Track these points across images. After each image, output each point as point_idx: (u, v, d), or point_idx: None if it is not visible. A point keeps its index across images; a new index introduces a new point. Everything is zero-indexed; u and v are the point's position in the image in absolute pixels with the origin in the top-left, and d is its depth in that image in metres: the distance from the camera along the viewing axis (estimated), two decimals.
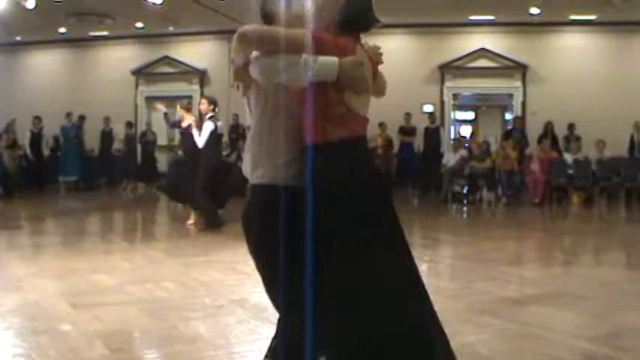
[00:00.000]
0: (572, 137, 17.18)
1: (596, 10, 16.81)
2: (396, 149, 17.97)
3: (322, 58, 2.99)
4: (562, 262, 9.32)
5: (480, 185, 16.46)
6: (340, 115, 3.12)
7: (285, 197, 3.09)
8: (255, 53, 3.16)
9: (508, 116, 20.72)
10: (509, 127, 18.69)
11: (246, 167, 3.35)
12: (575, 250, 10.41)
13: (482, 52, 19.22)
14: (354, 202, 3.09)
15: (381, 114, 17.29)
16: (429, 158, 17.16)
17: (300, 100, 3.14)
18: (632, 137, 16.92)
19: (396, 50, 18.94)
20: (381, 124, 17.36)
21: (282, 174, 3.14)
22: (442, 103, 19.61)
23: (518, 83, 19.26)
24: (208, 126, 10.86)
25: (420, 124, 17.99)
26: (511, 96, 19.77)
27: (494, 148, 17.50)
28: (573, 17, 17.99)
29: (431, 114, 18.14)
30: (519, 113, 18.92)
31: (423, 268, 8.12)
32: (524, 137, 17.51)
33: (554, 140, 17.16)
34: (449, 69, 19.40)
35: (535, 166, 15.97)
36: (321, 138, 3.10)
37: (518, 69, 19.12)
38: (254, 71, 3.15)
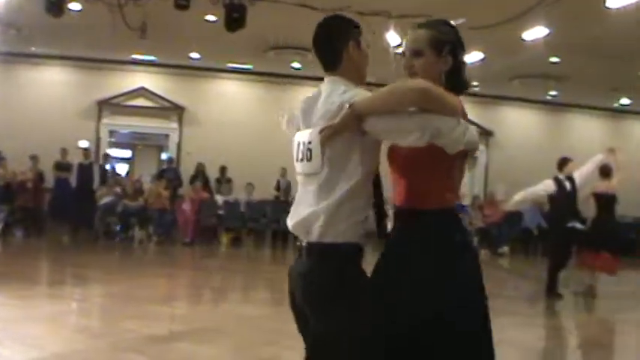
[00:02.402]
0: (224, 179, 17.95)
1: (253, 60, 17.76)
2: (50, 184, 17.26)
3: (471, 127, 2.72)
4: (210, 299, 9.73)
5: (132, 223, 16.48)
6: (457, 181, 2.89)
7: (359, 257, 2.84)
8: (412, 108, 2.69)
9: (164, 156, 20.97)
10: (164, 167, 19.00)
11: (306, 221, 2.85)
12: (224, 288, 10.87)
13: (142, 92, 19.25)
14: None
15: (35, 147, 16.66)
16: (82, 195, 16.75)
17: (415, 163, 2.83)
18: (278, 182, 18.06)
19: (53, 82, 18.43)
20: (33, 157, 16.64)
21: (358, 231, 2.82)
22: (98, 139, 19.25)
23: (175, 124, 19.56)
24: None
25: (75, 159, 17.50)
26: (167, 136, 19.98)
27: (149, 186, 17.55)
28: (231, 65, 18.83)
29: (86, 150, 17.70)
30: (174, 154, 19.30)
31: (72, 307, 7.97)
32: (178, 177, 17.98)
33: (206, 181, 17.80)
34: (107, 105, 19.10)
35: (186, 205, 16.43)
36: (438, 203, 2.81)
37: (176, 110, 19.44)
38: (389, 126, 2.71)
